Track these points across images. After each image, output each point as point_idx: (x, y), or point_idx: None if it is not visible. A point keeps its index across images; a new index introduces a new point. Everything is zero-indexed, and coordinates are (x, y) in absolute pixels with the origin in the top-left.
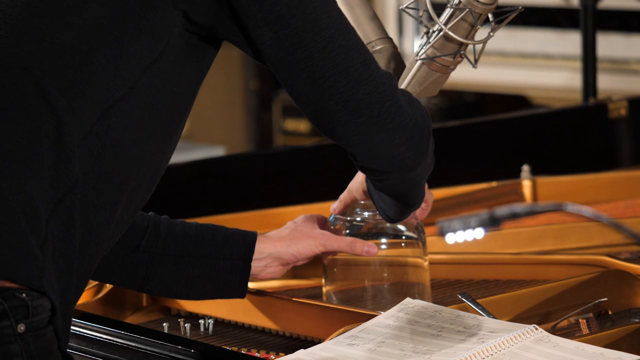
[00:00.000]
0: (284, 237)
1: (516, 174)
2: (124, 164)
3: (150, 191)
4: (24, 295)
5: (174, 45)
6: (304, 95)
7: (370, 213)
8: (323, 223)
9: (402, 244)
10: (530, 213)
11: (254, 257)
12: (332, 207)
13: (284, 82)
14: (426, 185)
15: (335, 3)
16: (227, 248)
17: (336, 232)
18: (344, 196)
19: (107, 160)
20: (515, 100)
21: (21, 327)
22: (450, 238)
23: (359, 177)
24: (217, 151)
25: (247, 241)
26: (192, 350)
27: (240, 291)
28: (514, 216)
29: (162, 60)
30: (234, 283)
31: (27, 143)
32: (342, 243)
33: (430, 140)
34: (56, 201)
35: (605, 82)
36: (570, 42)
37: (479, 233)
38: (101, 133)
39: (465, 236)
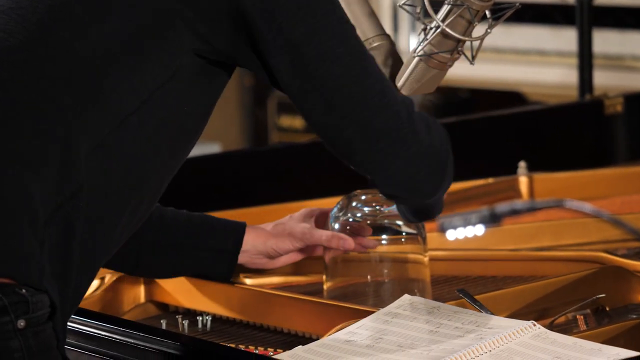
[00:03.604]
0: (265, 232)
1: (513, 171)
2: (130, 177)
3: (151, 206)
4: (23, 290)
5: (186, 66)
6: (321, 123)
7: (370, 209)
8: (324, 218)
9: (402, 240)
10: (531, 209)
11: (241, 249)
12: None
13: (300, 109)
14: None
15: (353, 31)
16: (216, 240)
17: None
18: None
19: (114, 172)
20: (509, 97)
21: (21, 323)
22: (451, 234)
23: None
24: (213, 148)
25: (235, 233)
26: (190, 347)
27: (225, 281)
28: (514, 213)
29: (176, 79)
30: (219, 273)
31: (33, 146)
32: (320, 238)
33: (449, 163)
34: (56, 206)
35: (600, 79)
36: (564, 38)
37: (479, 229)
38: (111, 145)
39: (465, 232)
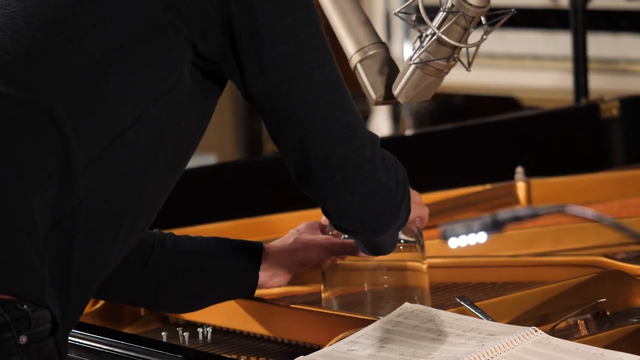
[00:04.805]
0: (289, 245)
1: (510, 176)
2: (126, 193)
3: (150, 222)
4: (25, 306)
5: (184, 79)
6: (286, 144)
7: None
8: (324, 230)
9: (401, 247)
10: (533, 216)
11: (261, 267)
12: (323, 219)
13: (269, 128)
14: (421, 199)
15: (333, 59)
16: (234, 260)
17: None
18: None
19: (110, 188)
20: (504, 102)
21: (23, 339)
22: (453, 243)
23: None
24: (208, 159)
25: (253, 252)
26: (192, 359)
27: None
28: (516, 219)
29: (173, 93)
30: (241, 295)
31: (33, 160)
32: (347, 247)
33: (404, 206)
34: (56, 220)
35: (595, 82)
36: (559, 42)
37: (481, 237)
38: (107, 161)
39: (468, 240)
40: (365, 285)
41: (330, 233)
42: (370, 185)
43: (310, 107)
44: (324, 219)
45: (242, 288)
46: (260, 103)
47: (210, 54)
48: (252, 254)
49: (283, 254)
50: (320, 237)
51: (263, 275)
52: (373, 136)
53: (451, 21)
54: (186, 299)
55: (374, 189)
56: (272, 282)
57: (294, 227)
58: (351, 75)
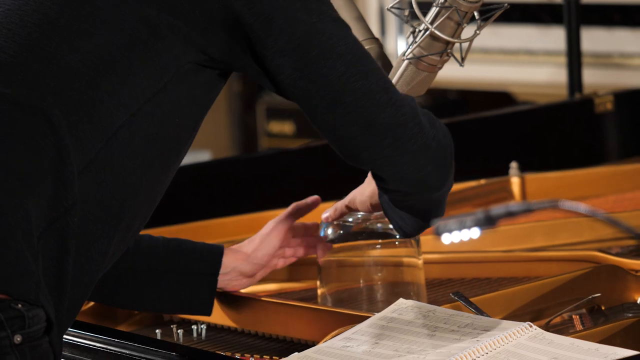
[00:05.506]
0: (245, 250)
1: (504, 171)
2: (122, 192)
3: (145, 220)
4: (19, 305)
5: (182, 78)
6: (326, 123)
7: (362, 213)
8: (315, 229)
9: (396, 243)
10: (526, 211)
11: (220, 270)
12: (324, 216)
13: (306, 111)
14: None
15: (350, 30)
16: (194, 263)
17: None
18: (342, 207)
19: (106, 187)
20: (498, 97)
21: (17, 338)
22: (446, 238)
23: (367, 192)
24: (203, 155)
25: (213, 256)
26: (186, 357)
27: (207, 306)
28: (510, 214)
29: (166, 91)
30: (201, 297)
31: (28, 161)
32: (303, 228)
33: (453, 157)
34: (50, 220)
35: (589, 77)
36: (552, 37)
37: (475, 233)
38: (103, 160)
39: (461, 236)
40: (361, 281)
41: (324, 231)
42: (419, 141)
43: (342, 80)
44: (323, 217)
45: (201, 290)
46: (291, 89)
47: (219, 54)
48: (212, 257)
49: (238, 258)
50: (266, 228)
51: (222, 278)
52: (409, 96)
53: (444, 16)
54: (144, 300)
55: (424, 144)
56: (231, 286)
57: None
58: None
